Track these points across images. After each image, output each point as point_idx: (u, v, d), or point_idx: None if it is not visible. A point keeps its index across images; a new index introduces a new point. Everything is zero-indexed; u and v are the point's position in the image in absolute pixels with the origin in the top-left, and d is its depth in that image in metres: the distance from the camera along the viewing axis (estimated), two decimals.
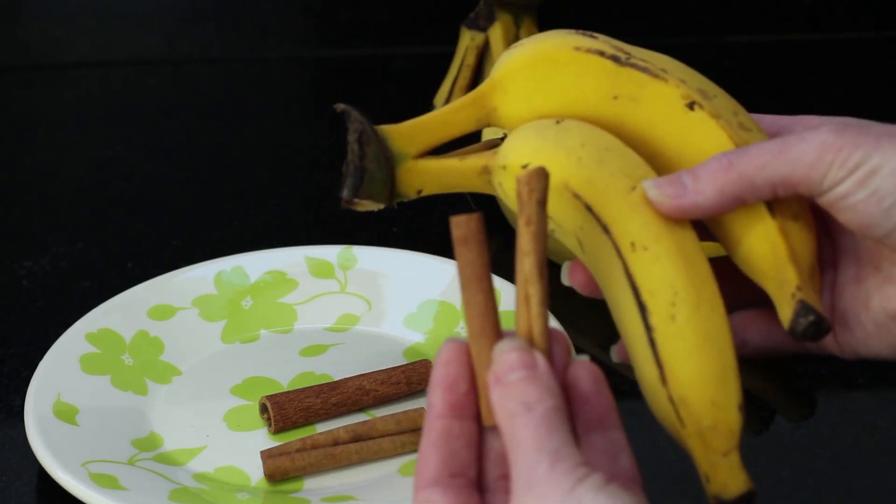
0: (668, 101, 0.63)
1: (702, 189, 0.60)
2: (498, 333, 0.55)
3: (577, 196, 0.61)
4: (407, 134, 0.65)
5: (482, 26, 0.99)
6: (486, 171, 0.65)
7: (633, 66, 0.64)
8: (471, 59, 1.00)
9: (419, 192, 0.65)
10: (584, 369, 0.55)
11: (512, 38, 0.98)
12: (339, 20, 1.28)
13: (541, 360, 0.54)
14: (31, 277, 0.91)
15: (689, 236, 0.60)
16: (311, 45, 1.28)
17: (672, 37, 1.21)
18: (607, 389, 0.55)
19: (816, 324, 0.60)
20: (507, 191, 0.64)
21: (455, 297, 0.82)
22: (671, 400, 0.58)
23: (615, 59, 0.64)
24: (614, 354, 0.66)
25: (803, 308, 0.60)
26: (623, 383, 0.79)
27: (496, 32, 0.98)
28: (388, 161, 0.64)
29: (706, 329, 0.58)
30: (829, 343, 0.63)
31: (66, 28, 1.25)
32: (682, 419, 0.59)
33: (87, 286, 0.90)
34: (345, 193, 0.63)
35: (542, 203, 0.55)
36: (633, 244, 0.60)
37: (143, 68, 1.21)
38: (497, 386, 0.53)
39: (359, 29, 1.26)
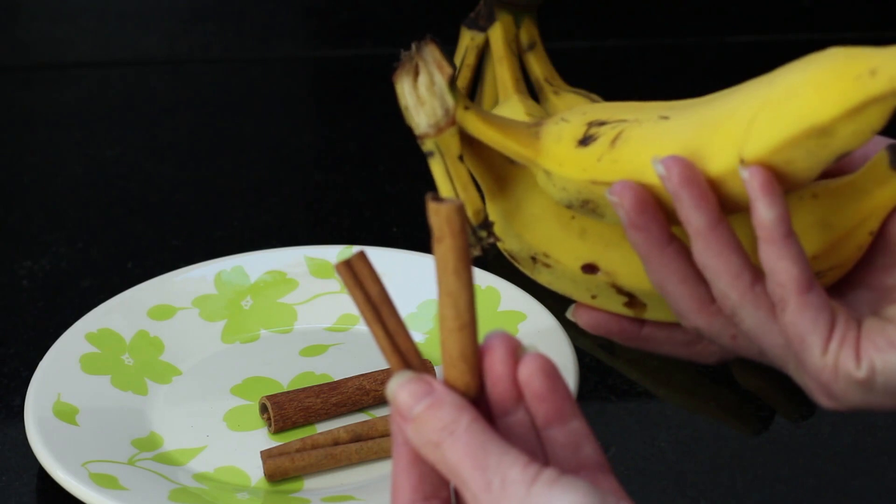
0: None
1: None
2: (475, 340, 0.53)
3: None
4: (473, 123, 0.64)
5: (482, 26, 0.99)
6: (531, 162, 0.64)
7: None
8: (471, 59, 0.99)
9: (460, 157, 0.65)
10: (534, 365, 0.53)
11: (512, 38, 0.98)
12: (340, 20, 1.28)
13: (432, 380, 0.52)
14: (31, 277, 0.91)
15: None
16: (312, 45, 1.28)
17: (672, 37, 1.21)
18: (562, 382, 0.53)
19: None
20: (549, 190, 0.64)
21: None
22: None
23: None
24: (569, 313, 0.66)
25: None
26: (623, 383, 0.79)
27: (496, 32, 0.98)
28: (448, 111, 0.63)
29: None
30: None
31: (66, 28, 1.25)
32: None
33: (87, 286, 0.90)
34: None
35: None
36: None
37: (143, 68, 1.21)
38: (408, 424, 0.52)
39: (359, 29, 1.26)
